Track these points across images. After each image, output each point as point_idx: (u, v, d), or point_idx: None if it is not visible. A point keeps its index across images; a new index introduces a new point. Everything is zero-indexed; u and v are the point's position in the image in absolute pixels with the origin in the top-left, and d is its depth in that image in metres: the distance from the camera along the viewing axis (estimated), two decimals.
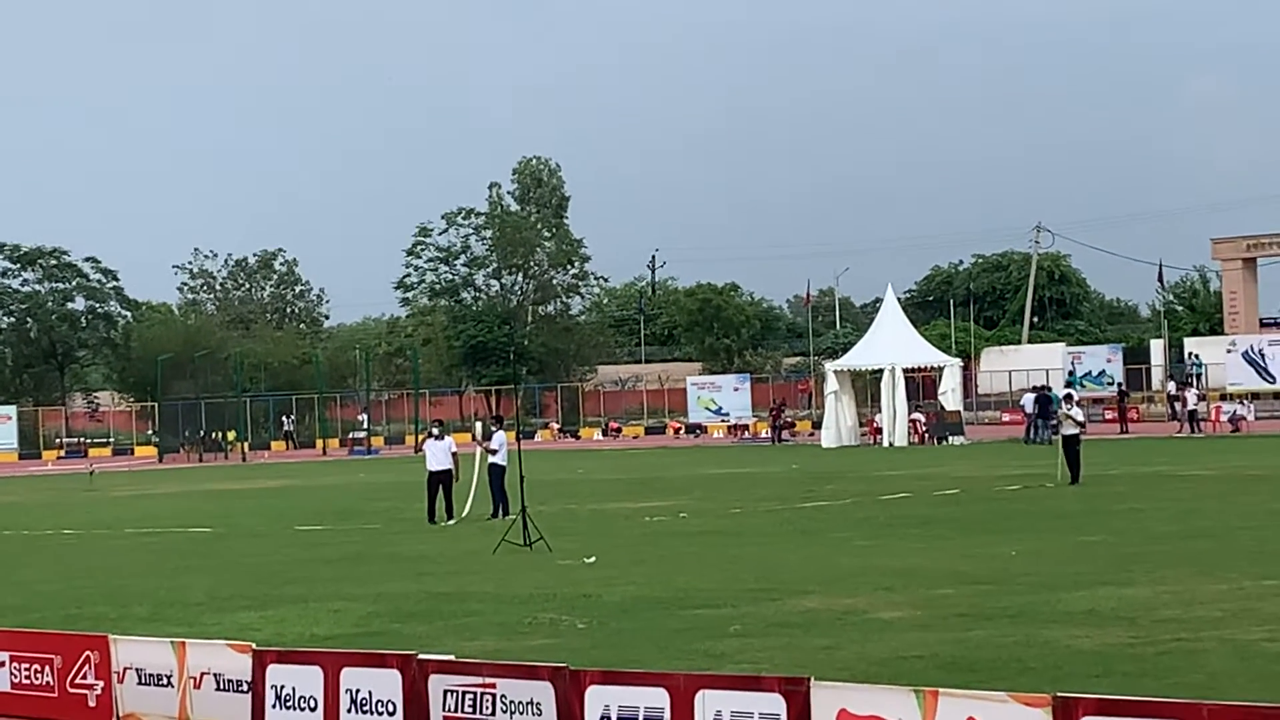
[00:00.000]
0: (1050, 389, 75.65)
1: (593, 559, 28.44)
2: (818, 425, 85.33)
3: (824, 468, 56.78)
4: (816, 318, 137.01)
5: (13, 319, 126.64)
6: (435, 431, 40.21)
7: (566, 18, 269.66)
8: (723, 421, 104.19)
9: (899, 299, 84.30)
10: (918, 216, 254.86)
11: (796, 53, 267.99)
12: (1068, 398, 45.46)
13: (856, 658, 17.45)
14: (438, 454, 38.45)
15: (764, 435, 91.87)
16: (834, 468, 56.36)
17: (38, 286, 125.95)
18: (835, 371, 76.70)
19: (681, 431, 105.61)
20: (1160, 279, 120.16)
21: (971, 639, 18.57)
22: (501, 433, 39.75)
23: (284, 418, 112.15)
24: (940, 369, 77.77)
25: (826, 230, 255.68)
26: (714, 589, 23.76)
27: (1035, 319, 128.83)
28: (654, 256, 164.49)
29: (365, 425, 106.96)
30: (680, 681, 13.32)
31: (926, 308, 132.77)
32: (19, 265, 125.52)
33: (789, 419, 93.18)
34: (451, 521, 37.60)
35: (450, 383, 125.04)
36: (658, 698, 13.27)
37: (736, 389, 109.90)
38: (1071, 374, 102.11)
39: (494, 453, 38.64)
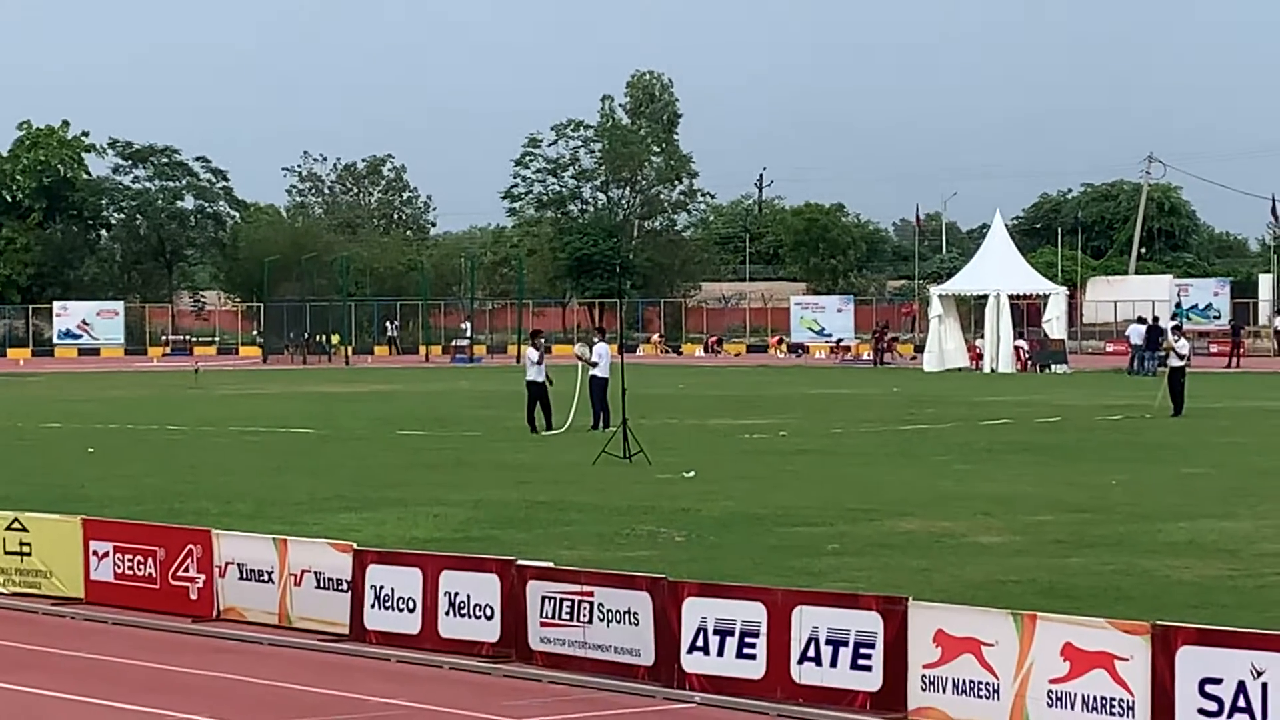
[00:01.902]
0: (1159, 319, 75.06)
1: (692, 473, 28.54)
2: (920, 349, 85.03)
3: (925, 391, 56.57)
4: (922, 242, 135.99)
5: (123, 215, 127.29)
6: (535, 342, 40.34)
7: None
8: (825, 342, 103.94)
9: (1006, 225, 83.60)
10: (1027, 143, 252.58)
11: None
12: (1174, 329, 45.16)
13: (953, 580, 17.48)
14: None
15: (866, 357, 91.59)
16: (935, 392, 56.14)
17: (148, 184, 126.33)
18: (940, 296, 76.32)
19: (783, 350, 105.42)
20: (1273, 213, 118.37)
21: (1070, 566, 18.56)
22: (603, 344, 39.83)
23: (388, 323, 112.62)
24: (1045, 297, 77.31)
25: (934, 154, 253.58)
26: (812, 508, 23.81)
27: (1143, 250, 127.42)
28: (761, 175, 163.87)
29: (468, 333, 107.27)
30: (778, 597, 13.38)
31: (1033, 235, 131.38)
32: (130, 162, 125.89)
33: (892, 338, 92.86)
34: (551, 431, 37.71)
35: (554, 294, 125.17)
36: (755, 612, 13.33)
37: (840, 310, 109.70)
38: (1178, 306, 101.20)
39: (594, 365, 38.67)
